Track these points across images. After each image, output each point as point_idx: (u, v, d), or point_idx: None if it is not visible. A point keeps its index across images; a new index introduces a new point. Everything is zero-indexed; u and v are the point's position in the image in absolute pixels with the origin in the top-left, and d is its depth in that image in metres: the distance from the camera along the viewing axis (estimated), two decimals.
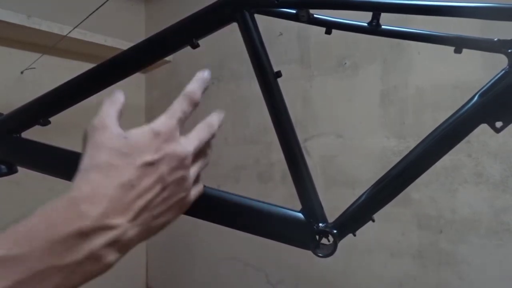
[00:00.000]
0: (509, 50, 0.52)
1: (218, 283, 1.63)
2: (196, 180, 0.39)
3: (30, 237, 0.26)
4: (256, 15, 0.53)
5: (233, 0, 0.52)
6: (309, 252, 0.49)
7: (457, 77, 1.08)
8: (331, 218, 0.51)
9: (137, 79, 1.95)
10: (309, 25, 0.56)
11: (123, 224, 0.30)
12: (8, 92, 1.41)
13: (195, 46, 0.54)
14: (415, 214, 1.15)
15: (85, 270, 0.28)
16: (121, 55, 0.59)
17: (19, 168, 0.67)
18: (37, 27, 1.34)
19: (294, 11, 0.54)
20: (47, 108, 0.63)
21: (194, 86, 0.39)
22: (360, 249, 1.23)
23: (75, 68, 0.75)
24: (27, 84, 1.47)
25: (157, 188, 0.32)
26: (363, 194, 0.51)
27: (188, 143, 0.35)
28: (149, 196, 0.32)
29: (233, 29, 0.54)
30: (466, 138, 0.48)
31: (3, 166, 0.65)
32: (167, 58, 0.95)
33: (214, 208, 0.50)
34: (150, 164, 0.32)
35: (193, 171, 0.36)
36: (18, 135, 0.64)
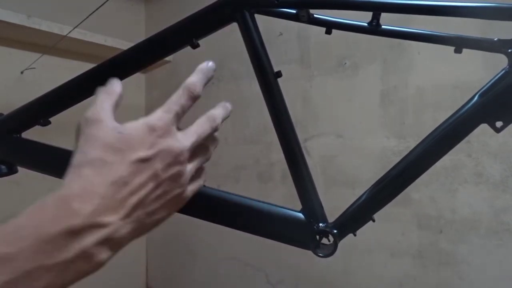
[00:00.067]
0: (509, 50, 0.52)
1: (218, 283, 1.63)
2: (196, 175, 0.37)
3: (19, 236, 0.26)
4: (256, 15, 0.53)
5: (233, 0, 0.52)
6: (309, 252, 0.49)
7: (457, 77, 1.08)
8: (331, 218, 0.51)
9: (137, 79, 1.95)
10: (309, 25, 0.56)
11: (115, 222, 0.29)
12: (8, 92, 1.41)
13: (195, 46, 0.54)
14: (415, 214, 1.15)
15: (76, 269, 0.28)
16: (121, 55, 0.59)
17: (19, 168, 0.67)
18: (37, 27, 1.34)
19: (294, 11, 0.54)
20: (47, 108, 0.63)
21: (195, 78, 0.37)
22: (360, 249, 1.23)
23: (75, 68, 0.75)
24: (27, 84, 1.47)
25: (151, 185, 0.31)
26: (363, 194, 0.51)
27: (185, 138, 0.34)
28: (142, 193, 0.31)
29: (233, 29, 0.54)
30: (466, 138, 0.48)
31: (3, 166, 0.65)
32: (167, 58, 0.95)
33: (214, 208, 0.50)
34: (144, 160, 0.31)
35: (190, 166, 0.35)
36: (18, 135, 0.64)
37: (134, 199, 0.30)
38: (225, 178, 1.60)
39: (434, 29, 0.57)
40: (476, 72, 1.00)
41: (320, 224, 0.50)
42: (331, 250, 0.48)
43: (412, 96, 1.17)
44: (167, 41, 0.56)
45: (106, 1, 1.15)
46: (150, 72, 1.95)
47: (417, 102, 1.16)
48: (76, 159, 0.31)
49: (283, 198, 1.38)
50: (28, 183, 1.38)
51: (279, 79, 0.52)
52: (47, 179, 0.63)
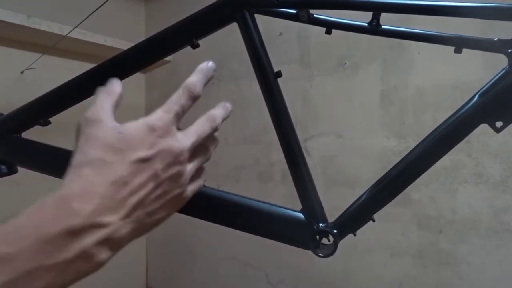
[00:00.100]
0: (509, 50, 0.52)
1: (218, 283, 1.63)
2: (197, 175, 0.38)
3: (19, 236, 0.26)
4: (256, 15, 0.53)
5: (233, 0, 0.52)
6: (309, 252, 0.49)
7: (457, 77, 1.08)
8: (331, 218, 0.51)
9: (137, 79, 1.95)
10: (309, 25, 0.56)
11: (115, 222, 0.29)
12: (8, 92, 1.41)
13: (195, 46, 0.54)
14: (415, 214, 1.15)
15: (76, 269, 0.28)
16: (121, 55, 0.59)
17: (19, 168, 0.67)
18: (37, 27, 1.34)
19: (294, 11, 0.54)
20: (47, 108, 0.63)
21: (195, 78, 0.37)
22: (360, 249, 1.23)
23: (75, 68, 0.75)
24: (27, 84, 1.47)
25: (151, 185, 0.31)
26: (363, 194, 0.51)
27: (185, 138, 0.34)
28: (142, 193, 0.31)
29: (233, 29, 0.54)
30: (466, 138, 0.48)
31: (3, 166, 0.65)
32: (167, 58, 0.95)
33: (214, 208, 0.50)
34: (144, 160, 0.31)
35: (190, 166, 0.35)
36: (18, 135, 0.64)
37: (134, 199, 0.30)
38: (225, 178, 1.60)
39: (434, 29, 0.57)
40: (476, 72, 1.00)
41: (320, 224, 0.50)
42: (331, 250, 0.48)
43: (412, 96, 1.17)
44: (167, 41, 0.56)
45: (106, 1, 1.15)
46: (150, 72, 1.95)
47: (417, 102, 1.16)
48: (76, 159, 0.31)
49: (283, 198, 1.38)
50: (28, 183, 1.38)
51: (279, 79, 0.52)
52: (47, 179, 0.63)
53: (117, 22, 1.80)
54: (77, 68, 0.69)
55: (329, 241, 0.49)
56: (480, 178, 1.05)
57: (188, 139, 0.34)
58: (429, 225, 1.12)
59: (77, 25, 1.26)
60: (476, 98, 0.49)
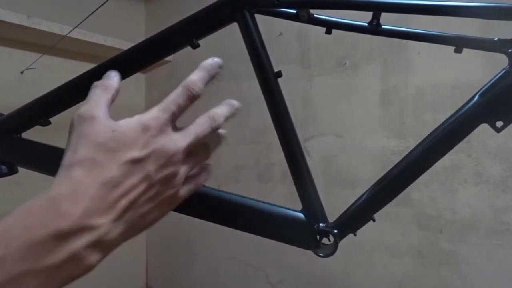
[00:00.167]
0: (510, 50, 0.52)
1: (218, 283, 1.63)
2: (193, 176, 0.37)
3: (6, 239, 0.25)
4: (256, 15, 0.53)
5: (233, 0, 0.52)
6: (309, 252, 0.49)
7: (457, 77, 1.08)
8: (331, 218, 0.51)
9: (137, 79, 1.95)
10: (309, 25, 0.56)
11: (105, 224, 0.28)
12: (8, 92, 1.41)
13: (195, 46, 0.54)
14: (415, 214, 1.15)
15: (65, 273, 0.27)
16: (121, 55, 0.59)
17: (19, 168, 0.67)
18: (37, 27, 1.34)
19: (294, 11, 0.54)
20: (47, 108, 0.62)
21: (196, 76, 0.36)
22: (360, 249, 1.23)
23: (75, 68, 0.75)
24: (27, 84, 1.47)
25: (143, 186, 0.31)
26: (363, 194, 0.51)
27: (181, 139, 0.33)
28: (134, 194, 0.30)
29: (233, 29, 0.54)
30: (466, 138, 0.48)
31: (3, 167, 0.65)
32: (167, 58, 0.95)
33: (214, 208, 0.50)
34: (137, 161, 0.30)
35: (185, 167, 0.34)
36: (18, 136, 0.63)
37: (125, 201, 0.30)
38: (225, 178, 1.60)
39: (434, 29, 0.57)
40: (476, 72, 1.00)
41: (321, 224, 0.50)
42: (332, 250, 0.48)
43: (412, 96, 1.17)
44: (167, 41, 0.56)
45: (106, 1, 1.15)
46: (150, 72, 1.95)
47: (417, 102, 1.16)
48: (66, 158, 0.31)
49: (283, 198, 1.38)
50: (28, 183, 1.37)
51: (279, 79, 0.52)
52: (47, 179, 0.62)
53: (117, 22, 1.80)
54: (77, 68, 0.69)
55: (329, 241, 0.49)
56: (480, 178, 1.05)
57: (184, 140, 0.33)
58: (429, 225, 1.12)
59: (77, 25, 1.26)
60: (476, 98, 0.49)
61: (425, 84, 1.15)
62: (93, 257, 0.28)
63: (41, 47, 1.44)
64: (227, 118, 0.37)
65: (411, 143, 1.15)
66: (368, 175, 1.22)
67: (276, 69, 0.51)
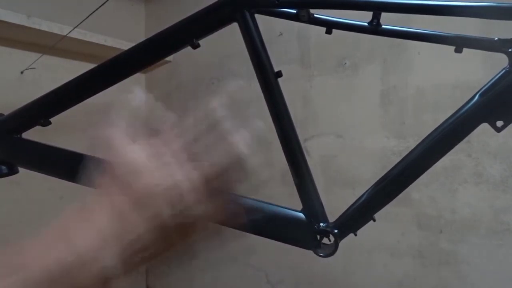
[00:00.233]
0: (510, 50, 0.52)
1: (218, 283, 1.63)
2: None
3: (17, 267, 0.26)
4: (256, 15, 0.53)
5: (233, 0, 0.52)
6: (310, 252, 0.49)
7: (457, 77, 1.08)
8: (331, 218, 0.51)
9: (137, 79, 1.95)
10: (309, 25, 0.56)
11: (110, 261, 0.29)
12: (8, 92, 1.41)
13: (195, 46, 0.54)
14: (415, 214, 1.15)
15: None
16: (122, 55, 0.59)
17: (19, 168, 0.67)
18: (37, 27, 1.34)
19: (294, 11, 0.54)
20: (47, 108, 0.63)
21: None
22: (360, 249, 1.23)
23: (75, 68, 0.76)
24: (27, 84, 1.47)
25: (151, 234, 0.30)
26: (363, 194, 0.51)
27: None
28: (141, 242, 0.30)
29: (233, 29, 0.54)
30: (466, 138, 0.48)
31: (4, 167, 0.65)
32: (167, 58, 0.95)
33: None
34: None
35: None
36: (18, 136, 0.64)
37: (134, 247, 0.30)
38: None
39: (434, 29, 0.58)
40: (476, 72, 1.00)
41: (321, 224, 0.50)
42: (332, 250, 0.48)
43: (412, 96, 1.17)
44: (167, 41, 0.57)
45: (106, 1, 1.15)
46: (150, 72, 1.95)
47: (417, 102, 1.16)
48: (89, 195, 0.31)
49: (283, 198, 1.38)
50: (28, 183, 1.38)
51: (279, 79, 0.52)
52: (47, 179, 0.63)
53: (117, 22, 1.80)
54: (77, 68, 0.69)
55: (329, 241, 0.49)
56: (480, 178, 1.05)
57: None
58: (429, 225, 1.12)
59: (77, 25, 1.26)
60: (476, 97, 0.49)
61: (425, 84, 1.15)
62: None
63: (41, 47, 1.44)
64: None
65: (411, 143, 1.15)
66: (368, 175, 1.22)
67: (276, 69, 0.52)
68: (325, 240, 0.49)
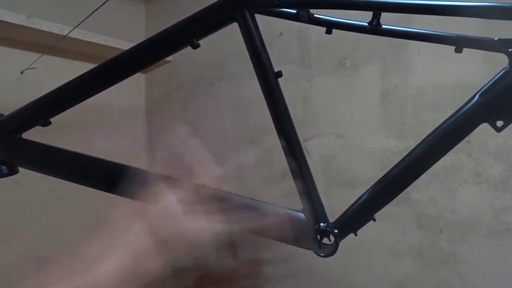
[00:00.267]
0: (510, 50, 0.52)
1: None
2: None
3: None
4: (256, 15, 0.53)
5: (233, 0, 0.52)
6: (310, 252, 0.49)
7: (457, 77, 1.08)
8: (331, 218, 0.51)
9: (137, 79, 1.95)
10: (309, 25, 0.56)
11: None
12: (8, 92, 1.41)
13: (195, 46, 0.54)
14: (415, 214, 1.15)
15: None
16: (122, 55, 0.59)
17: (20, 168, 0.66)
18: (37, 27, 1.34)
19: (294, 11, 0.54)
20: (48, 108, 0.63)
21: None
22: (360, 249, 1.23)
23: (75, 68, 0.76)
24: (27, 84, 1.47)
25: None
26: (364, 194, 0.51)
27: None
28: None
29: (233, 29, 0.54)
30: (466, 138, 0.48)
31: (4, 167, 0.64)
32: (167, 58, 0.95)
33: None
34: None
35: None
36: (19, 136, 0.63)
37: None
38: None
39: (434, 29, 0.58)
40: (476, 72, 1.00)
41: (321, 224, 0.50)
42: (332, 250, 0.48)
43: (412, 96, 1.17)
44: (167, 41, 0.57)
45: (106, 1, 1.15)
46: (150, 72, 1.95)
47: (417, 102, 1.16)
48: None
49: (283, 198, 1.38)
50: (28, 183, 1.38)
51: (279, 79, 0.52)
52: (47, 180, 0.63)
53: (117, 22, 1.80)
54: (77, 68, 0.69)
55: (330, 241, 0.49)
56: (480, 178, 1.05)
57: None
58: (429, 225, 1.12)
59: (77, 25, 1.26)
60: (476, 97, 0.49)
61: (425, 84, 1.15)
62: None
63: (41, 47, 1.44)
64: None
65: (411, 143, 1.15)
66: (368, 175, 1.22)
67: (276, 69, 0.52)
68: (325, 240, 0.49)
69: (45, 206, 1.52)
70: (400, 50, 1.20)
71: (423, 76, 1.16)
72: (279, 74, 0.51)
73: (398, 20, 0.54)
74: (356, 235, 0.51)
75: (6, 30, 1.35)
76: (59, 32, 1.38)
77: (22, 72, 1.46)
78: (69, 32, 1.35)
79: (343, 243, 0.50)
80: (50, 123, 0.63)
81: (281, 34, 1.47)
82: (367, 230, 0.52)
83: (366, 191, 0.52)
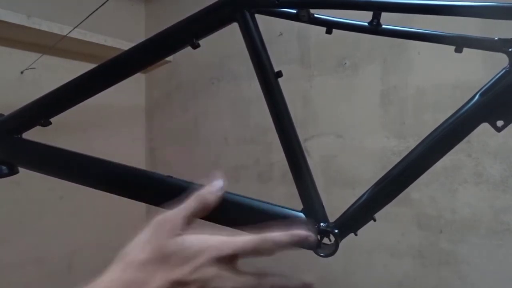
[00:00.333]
0: (510, 49, 0.52)
1: None
2: None
3: None
4: (256, 15, 0.53)
5: (233, 0, 0.52)
6: (310, 252, 0.49)
7: (457, 77, 1.08)
8: (331, 218, 0.51)
9: (137, 79, 1.95)
10: (309, 25, 0.56)
11: None
12: (8, 92, 1.41)
13: (195, 46, 0.54)
14: (415, 214, 1.15)
15: None
16: (122, 55, 0.59)
17: (20, 168, 0.66)
18: (37, 27, 1.34)
19: (294, 11, 0.54)
20: (48, 108, 0.63)
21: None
22: (360, 249, 1.23)
23: (75, 68, 0.76)
24: (27, 84, 1.48)
25: None
26: (364, 194, 0.51)
27: (233, 281, 0.32)
28: None
29: (233, 29, 0.54)
30: (466, 138, 0.48)
31: (4, 167, 0.64)
32: (167, 58, 0.95)
33: (214, 208, 0.50)
34: (180, 283, 0.31)
35: None
36: (19, 136, 0.63)
37: None
38: (225, 178, 1.59)
39: (434, 29, 0.58)
40: (476, 71, 1.00)
41: (321, 224, 0.50)
42: (333, 250, 0.48)
43: (412, 96, 1.17)
44: (168, 41, 0.57)
45: (106, 1, 1.15)
46: (150, 72, 1.95)
47: (417, 102, 1.16)
48: (132, 251, 0.32)
49: (283, 198, 1.38)
50: (28, 183, 1.38)
51: (279, 79, 0.52)
52: (47, 180, 0.63)
53: (117, 22, 1.80)
54: (77, 68, 0.69)
55: (330, 240, 0.49)
56: (480, 178, 1.05)
57: (234, 283, 0.32)
58: (429, 225, 1.12)
59: (77, 25, 1.26)
60: (477, 97, 0.49)
61: (425, 84, 1.15)
62: None
63: (41, 47, 1.44)
64: (283, 247, 0.36)
65: (411, 143, 1.15)
66: (368, 175, 1.22)
67: (276, 69, 0.52)
68: (325, 240, 0.49)
69: (45, 206, 1.52)
70: (400, 50, 1.20)
71: (423, 76, 1.16)
72: (279, 74, 0.51)
73: (398, 20, 0.54)
74: (356, 235, 0.51)
75: (6, 30, 1.35)
76: (59, 32, 1.38)
77: (22, 72, 1.47)
78: (69, 32, 1.35)
79: (343, 243, 0.50)
80: (50, 123, 0.63)
81: (281, 34, 1.47)
82: (367, 230, 0.52)
83: (366, 191, 0.52)
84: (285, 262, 1.40)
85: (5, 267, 1.38)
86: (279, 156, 0.52)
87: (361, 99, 1.27)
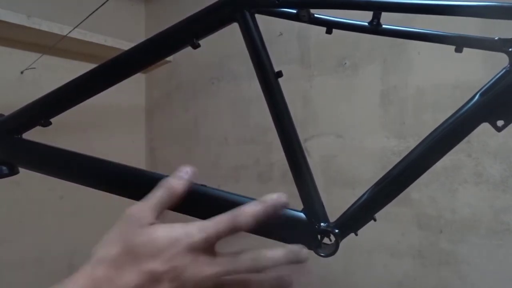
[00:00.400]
0: (510, 49, 0.52)
1: None
2: None
3: None
4: (256, 15, 0.53)
5: (233, 0, 0.52)
6: (310, 252, 0.49)
7: (457, 77, 1.08)
8: (331, 218, 0.51)
9: (137, 79, 1.95)
10: (309, 25, 0.56)
11: None
12: (8, 92, 1.41)
13: (196, 46, 0.54)
14: (415, 214, 1.15)
15: None
16: (122, 56, 0.59)
17: (20, 169, 0.66)
18: (37, 27, 1.34)
19: (294, 11, 0.54)
20: (48, 109, 0.62)
21: (250, 210, 0.35)
22: (360, 249, 1.23)
23: (75, 68, 0.76)
24: (27, 84, 1.48)
25: None
26: (364, 194, 0.51)
27: (208, 266, 0.32)
28: None
29: (233, 29, 0.54)
30: (466, 138, 0.47)
31: (4, 167, 0.64)
32: (167, 58, 0.95)
33: (214, 207, 0.50)
34: (154, 274, 0.30)
35: None
36: (19, 136, 0.63)
37: None
38: (225, 178, 1.60)
39: (434, 29, 0.58)
40: (477, 71, 1.00)
41: (322, 224, 0.50)
42: (333, 250, 0.48)
43: (412, 96, 1.17)
44: (168, 41, 0.57)
45: (106, 1, 1.15)
46: (150, 72, 1.95)
47: (417, 102, 1.16)
48: (100, 250, 0.32)
49: None
50: (28, 183, 1.38)
51: (279, 79, 0.52)
52: (47, 180, 0.63)
53: (117, 22, 1.80)
54: (77, 68, 0.69)
55: (330, 240, 0.49)
56: (480, 178, 1.05)
57: (212, 269, 0.32)
58: (429, 225, 1.12)
59: (77, 25, 1.26)
60: (477, 97, 0.49)
61: (425, 84, 1.15)
62: None
63: (41, 47, 1.44)
64: (279, 264, 0.34)
65: (411, 143, 1.15)
66: (368, 175, 1.22)
67: (276, 69, 0.52)
68: (325, 240, 0.49)
69: (45, 206, 1.52)
70: (400, 50, 1.20)
71: (423, 76, 1.16)
72: (279, 74, 0.51)
73: (398, 20, 0.54)
74: (356, 235, 0.51)
75: (6, 30, 1.35)
76: (59, 32, 1.38)
77: (22, 72, 1.47)
78: (69, 32, 1.35)
79: (343, 243, 0.50)
80: (50, 123, 0.63)
81: (281, 34, 1.47)
82: (367, 230, 0.52)
83: (367, 191, 0.52)
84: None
85: (5, 267, 1.38)
86: (279, 156, 0.52)
87: (361, 99, 1.27)
